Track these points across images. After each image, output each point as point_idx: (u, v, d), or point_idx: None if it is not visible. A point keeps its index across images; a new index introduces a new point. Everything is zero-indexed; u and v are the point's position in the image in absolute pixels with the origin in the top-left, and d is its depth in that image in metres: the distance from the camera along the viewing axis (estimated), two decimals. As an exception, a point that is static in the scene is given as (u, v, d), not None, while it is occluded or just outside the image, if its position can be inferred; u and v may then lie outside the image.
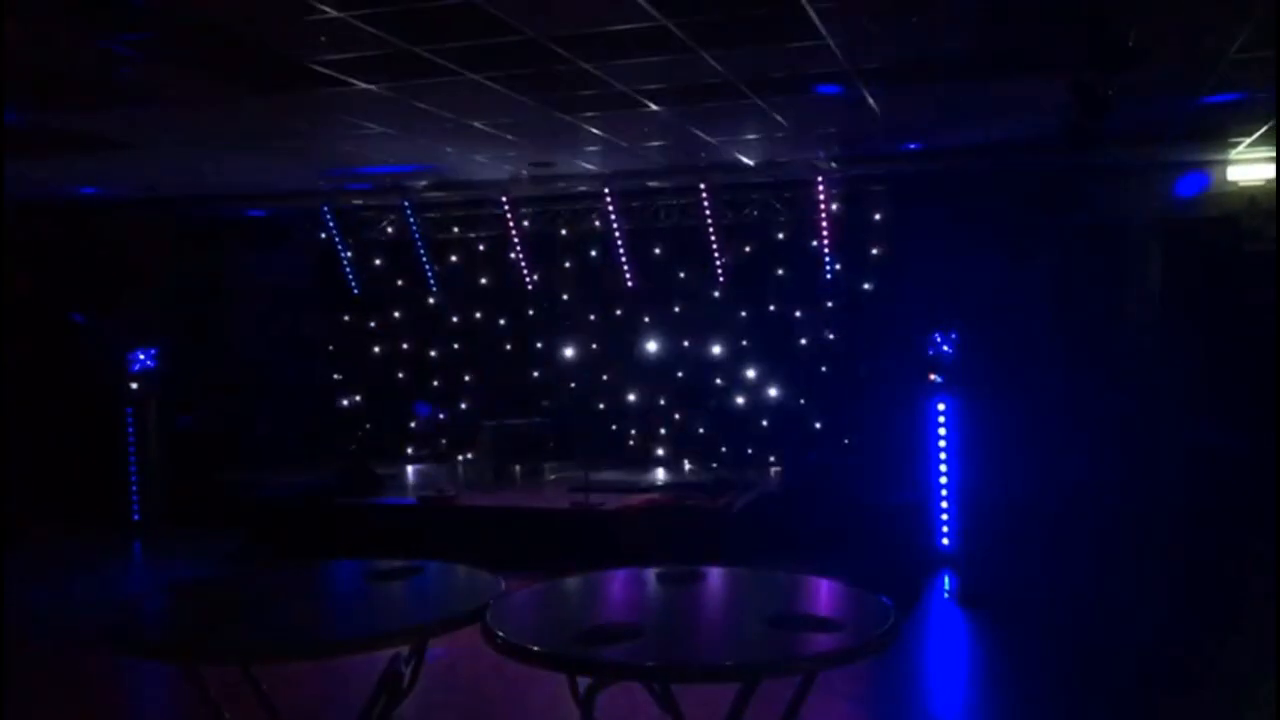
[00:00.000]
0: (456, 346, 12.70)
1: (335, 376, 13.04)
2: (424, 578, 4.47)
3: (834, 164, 10.02)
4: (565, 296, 12.16)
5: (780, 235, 11.27)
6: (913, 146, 9.37)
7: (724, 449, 11.58)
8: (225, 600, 4.46)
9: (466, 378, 12.67)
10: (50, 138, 8.07)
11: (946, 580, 8.64)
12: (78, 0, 5.03)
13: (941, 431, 8.98)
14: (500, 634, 3.50)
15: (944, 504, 9.00)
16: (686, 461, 11.69)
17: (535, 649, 3.46)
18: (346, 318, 12.96)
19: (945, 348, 8.98)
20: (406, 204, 11.86)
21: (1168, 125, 8.56)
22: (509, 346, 12.51)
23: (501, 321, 12.52)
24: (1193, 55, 6.51)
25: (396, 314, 12.86)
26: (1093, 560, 8.52)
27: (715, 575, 4.56)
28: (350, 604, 4.46)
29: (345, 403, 13.01)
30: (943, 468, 8.98)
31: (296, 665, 5.79)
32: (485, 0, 5.16)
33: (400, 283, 12.77)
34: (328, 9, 5.21)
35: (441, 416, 12.23)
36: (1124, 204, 9.88)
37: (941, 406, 8.98)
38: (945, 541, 9.00)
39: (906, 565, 8.66)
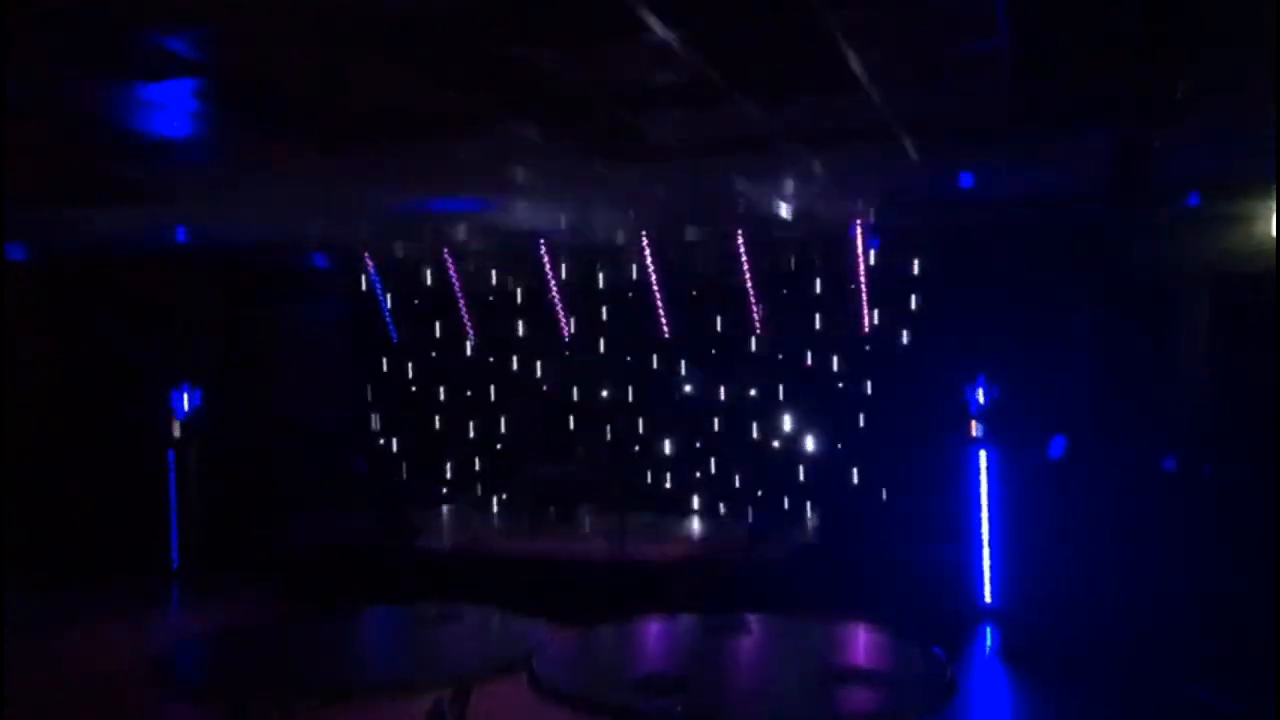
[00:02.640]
0: (493, 392, 12.74)
1: (374, 424, 13.13)
2: (466, 623, 4.45)
3: (872, 214, 10.02)
4: (602, 343, 12.20)
5: (817, 284, 11.27)
6: (953, 197, 9.35)
7: (761, 497, 11.50)
8: (268, 645, 4.47)
9: (503, 424, 12.70)
10: (96, 188, 8.23)
11: (989, 634, 8.46)
12: (123, 52, 5.12)
13: (983, 483, 8.86)
14: (549, 681, 3.48)
15: (985, 557, 8.85)
16: (722, 509, 11.61)
17: (585, 697, 3.43)
18: (385, 364, 13.08)
19: (985, 399, 8.89)
20: (446, 251, 12.00)
21: (1214, 178, 8.49)
22: (545, 390, 12.54)
23: (538, 368, 12.56)
24: (1238, 108, 6.47)
25: (435, 360, 12.95)
26: (1138, 617, 8.32)
27: (760, 625, 4.51)
28: (393, 649, 4.46)
29: (383, 449, 13.07)
30: (984, 520, 8.84)
31: (339, 710, 5.77)
32: (530, 52, 5.24)
33: (439, 330, 12.88)
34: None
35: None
36: (1167, 257, 9.78)
37: (982, 457, 8.87)
38: (988, 597, 8.83)
39: (947, 619, 8.49)
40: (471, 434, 12.79)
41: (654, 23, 4.75)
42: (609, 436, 11.82)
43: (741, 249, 11.00)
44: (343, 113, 6.28)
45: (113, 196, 8.56)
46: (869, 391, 11.08)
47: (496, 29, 4.84)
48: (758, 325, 11.40)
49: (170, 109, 6.04)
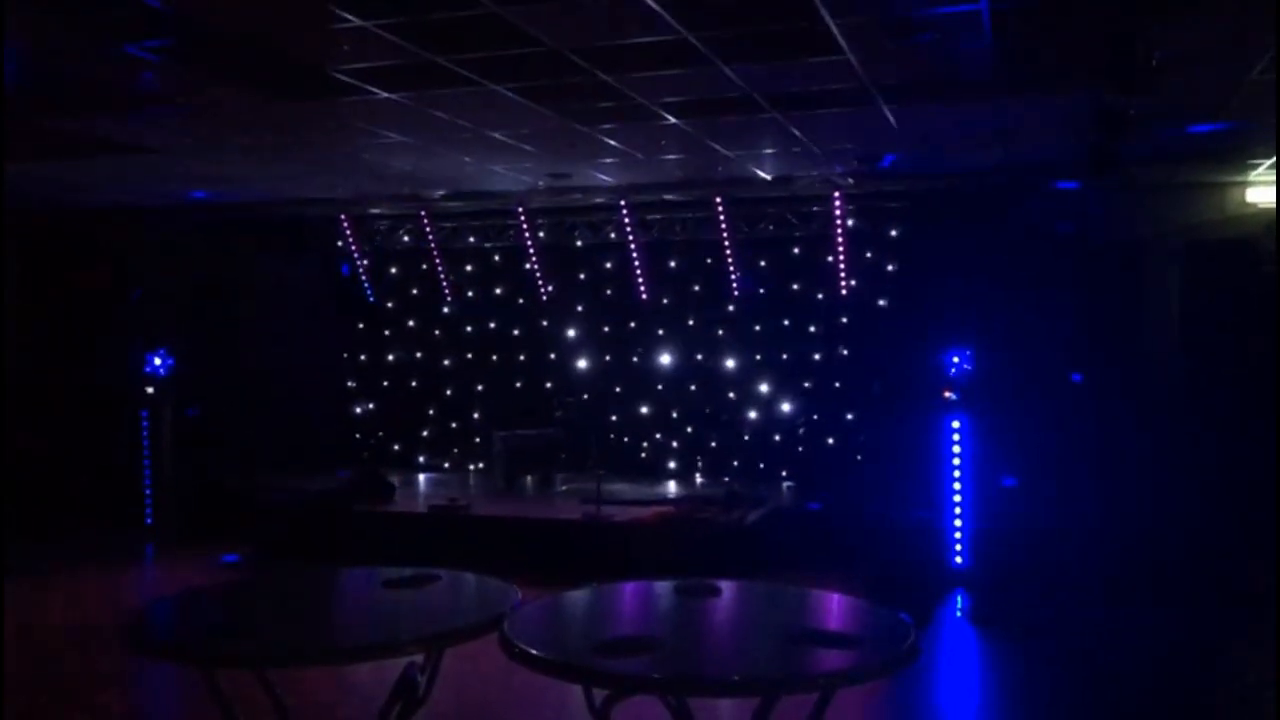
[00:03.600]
0: (470, 355, 12.73)
1: (349, 384, 13.10)
2: (439, 586, 4.47)
3: (851, 180, 10.02)
4: (580, 308, 12.18)
5: (796, 250, 11.27)
6: (930, 164, 9.36)
7: (737, 463, 11.58)
8: (241, 604, 4.48)
9: (479, 387, 12.70)
10: (69, 142, 8.13)
11: (959, 599, 8.60)
12: (98, 5, 5.06)
13: (956, 449, 8.96)
14: (518, 644, 3.50)
15: (958, 522, 8.96)
16: (699, 475, 11.69)
17: (553, 660, 3.45)
18: (361, 325, 13.03)
19: (961, 365, 8.96)
20: (423, 213, 11.91)
21: (1187, 146, 8.54)
22: (522, 356, 12.53)
23: (516, 331, 12.54)
24: (1215, 77, 6.49)
25: (411, 322, 12.91)
26: (1107, 582, 8.47)
27: (732, 589, 4.55)
28: (366, 611, 4.46)
29: (359, 410, 13.05)
30: (956, 486, 8.95)
31: (311, 671, 5.81)
32: (507, 11, 5.19)
33: (415, 291, 12.83)
34: (351, 18, 5.25)
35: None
36: (1142, 225, 9.86)
37: (956, 424, 8.95)
38: (958, 560, 8.96)
39: (919, 583, 8.62)
40: (448, 395, 12.79)
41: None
42: (586, 400, 11.83)
43: (721, 214, 10.98)
44: (313, 67, 6.20)
45: (81, 150, 8.45)
46: (845, 358, 11.14)
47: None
48: (735, 291, 11.41)
49: (135, 59, 5.95)
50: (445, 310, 12.73)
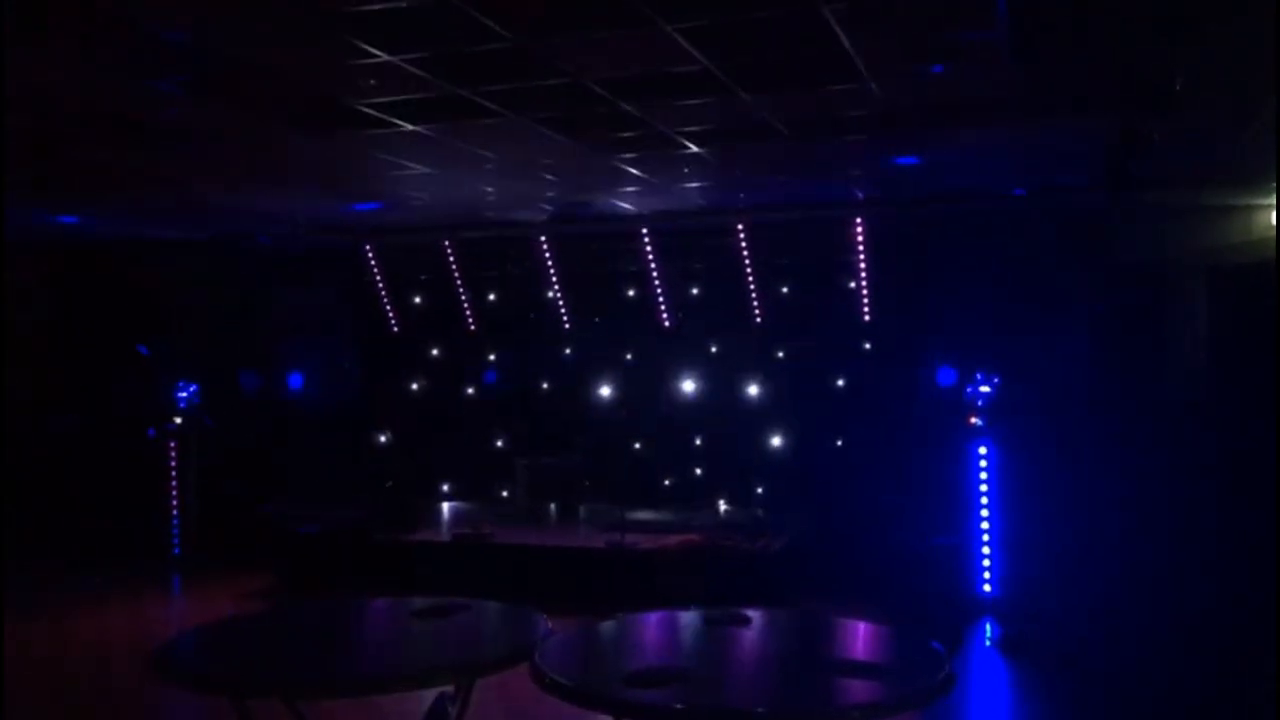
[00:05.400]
0: (495, 382, 12.73)
1: (372, 412, 13.14)
2: (468, 615, 4.46)
3: (872, 205, 10.03)
4: (602, 335, 12.19)
5: (818, 277, 11.24)
6: (953, 187, 9.36)
7: (761, 489, 11.50)
8: (270, 634, 4.48)
9: (502, 415, 12.69)
10: (91, 175, 8.24)
11: (988, 627, 8.50)
12: (119, 39, 5.14)
13: (982, 475, 8.89)
14: (550, 674, 3.49)
15: (985, 549, 8.88)
16: (723, 502, 11.63)
17: (583, 690, 3.44)
18: (384, 353, 13.08)
19: (986, 390, 8.90)
20: (446, 242, 11.99)
21: (1211, 169, 8.50)
22: (545, 384, 12.53)
23: (538, 359, 12.55)
24: (1238, 98, 6.47)
25: (434, 350, 12.95)
26: (1138, 609, 8.35)
27: (760, 618, 4.52)
28: (397, 641, 4.46)
29: (382, 438, 13.08)
30: (984, 512, 8.87)
31: (340, 702, 5.79)
32: (531, 45, 5.25)
33: (437, 319, 12.87)
34: (377, 52, 5.32)
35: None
36: (1166, 247, 9.79)
37: (983, 450, 8.89)
38: (986, 588, 8.86)
39: (947, 610, 8.53)
40: (470, 423, 12.79)
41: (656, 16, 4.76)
42: (609, 427, 11.81)
43: (743, 240, 10.99)
44: (339, 101, 6.28)
45: (103, 183, 8.57)
46: (869, 383, 11.07)
47: (504, 18, 4.85)
48: (757, 318, 11.39)
49: (161, 94, 6.05)
50: (467, 338, 12.77)
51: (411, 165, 8.04)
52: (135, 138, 7.03)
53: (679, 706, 3.44)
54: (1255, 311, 9.16)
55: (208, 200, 9.47)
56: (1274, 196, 9.20)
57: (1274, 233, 9.28)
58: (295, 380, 12.52)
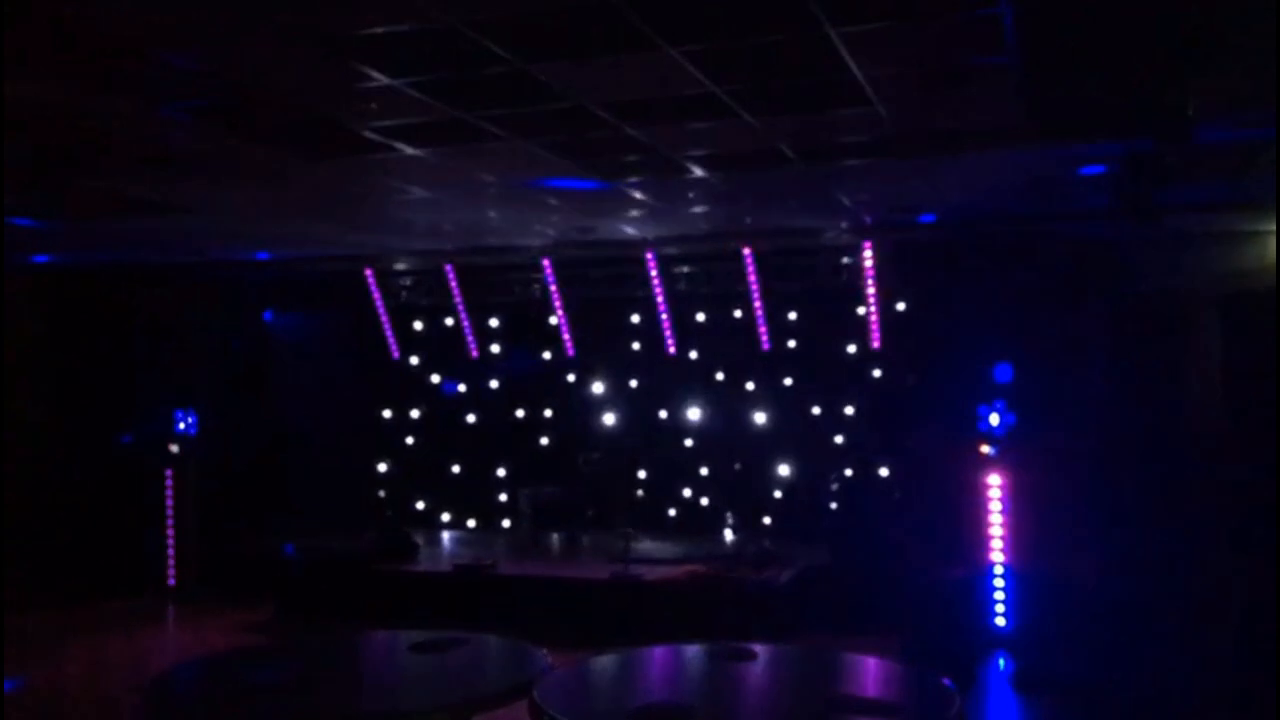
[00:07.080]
0: (494, 411, 12.62)
1: (372, 440, 13.01)
2: (466, 650, 4.33)
3: (881, 229, 9.93)
4: (606, 361, 12.07)
5: (825, 302, 11.12)
6: (963, 212, 9.27)
7: (768, 520, 11.34)
8: (266, 668, 4.35)
9: (504, 443, 12.56)
10: (100, 201, 8.19)
11: (1001, 662, 8.31)
12: (124, 65, 5.09)
13: (995, 506, 8.72)
14: (549, 711, 3.36)
15: (999, 582, 8.70)
16: (729, 532, 11.46)
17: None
18: (385, 381, 12.97)
19: (997, 419, 8.76)
20: (448, 267, 11.91)
21: (1225, 194, 8.41)
22: (548, 412, 12.41)
23: (541, 386, 12.44)
24: (1251, 124, 6.38)
25: (434, 378, 12.84)
26: (1155, 643, 8.16)
27: (766, 653, 4.37)
28: (394, 676, 4.33)
29: (382, 467, 12.95)
30: (997, 544, 8.70)
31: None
32: (535, 69, 5.18)
33: (440, 346, 12.77)
34: (380, 76, 5.25)
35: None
36: (1180, 274, 9.66)
37: (994, 480, 8.74)
38: (1000, 621, 8.67)
39: (959, 644, 8.35)
40: (473, 452, 12.66)
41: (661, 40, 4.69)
42: (613, 456, 11.68)
43: (749, 265, 10.89)
44: (341, 125, 6.22)
45: (110, 210, 8.53)
46: (878, 412, 10.93)
47: (506, 41, 4.78)
48: (765, 343, 11.27)
49: (168, 120, 6.00)
50: (469, 365, 12.66)
51: (413, 189, 7.98)
52: (138, 163, 6.99)
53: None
54: (1272, 338, 9.02)
55: (208, 225, 9.41)
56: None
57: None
58: (294, 408, 12.41)
